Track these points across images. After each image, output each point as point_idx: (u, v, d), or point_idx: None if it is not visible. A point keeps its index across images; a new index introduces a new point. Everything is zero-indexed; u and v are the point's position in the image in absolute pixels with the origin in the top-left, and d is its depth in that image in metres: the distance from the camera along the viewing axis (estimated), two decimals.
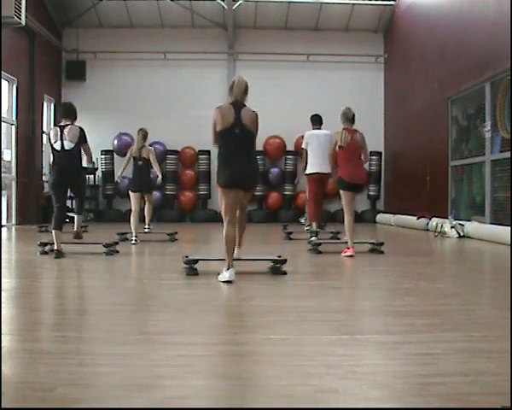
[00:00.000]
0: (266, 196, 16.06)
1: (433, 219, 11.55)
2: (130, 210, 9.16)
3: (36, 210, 14.13)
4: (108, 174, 15.75)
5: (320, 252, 7.31)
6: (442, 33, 12.29)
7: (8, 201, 13.53)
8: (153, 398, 2.16)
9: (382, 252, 7.28)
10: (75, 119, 7.31)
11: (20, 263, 6.89)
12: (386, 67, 16.44)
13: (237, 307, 4.19)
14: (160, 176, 9.41)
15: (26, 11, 11.02)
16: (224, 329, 3.54)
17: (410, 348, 2.89)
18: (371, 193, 16.29)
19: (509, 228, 8.28)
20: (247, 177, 5.22)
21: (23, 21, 10.96)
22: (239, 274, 5.57)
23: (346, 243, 7.18)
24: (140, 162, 9.22)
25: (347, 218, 7.22)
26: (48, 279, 5.75)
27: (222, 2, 15.42)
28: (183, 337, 3.11)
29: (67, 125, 7.15)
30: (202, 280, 5.18)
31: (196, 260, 5.38)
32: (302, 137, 9.83)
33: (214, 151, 5.78)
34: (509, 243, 8.00)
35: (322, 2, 15.73)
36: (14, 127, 13.55)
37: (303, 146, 9.47)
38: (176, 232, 9.46)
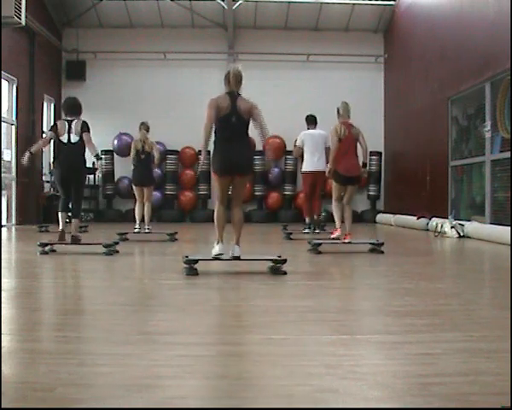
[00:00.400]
0: (266, 196, 16.06)
1: (433, 219, 11.55)
2: (133, 208, 9.99)
3: (36, 210, 14.12)
4: (108, 174, 15.76)
5: (320, 252, 7.31)
6: (442, 33, 12.29)
7: (8, 201, 13.52)
8: (153, 398, 2.15)
9: (382, 252, 7.29)
10: (80, 114, 7.39)
11: (20, 263, 6.88)
12: (386, 67, 16.43)
13: (237, 307, 4.18)
14: (157, 159, 9.68)
15: (25, 11, 11.03)
16: (223, 329, 3.54)
17: (410, 348, 2.89)
18: (371, 193, 16.29)
19: (509, 228, 8.28)
20: (241, 163, 5.47)
21: (23, 21, 10.97)
22: (239, 274, 5.58)
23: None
24: (142, 156, 9.60)
25: (334, 203, 7.85)
26: (48, 279, 5.76)
27: (222, 2, 15.41)
28: (183, 337, 3.11)
29: (74, 119, 7.26)
30: (202, 280, 5.18)
31: (196, 260, 5.38)
32: None
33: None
34: (509, 243, 8.00)
35: (322, 2, 15.73)
36: (14, 127, 13.55)
37: (297, 143, 10.22)
38: (176, 232, 9.46)
